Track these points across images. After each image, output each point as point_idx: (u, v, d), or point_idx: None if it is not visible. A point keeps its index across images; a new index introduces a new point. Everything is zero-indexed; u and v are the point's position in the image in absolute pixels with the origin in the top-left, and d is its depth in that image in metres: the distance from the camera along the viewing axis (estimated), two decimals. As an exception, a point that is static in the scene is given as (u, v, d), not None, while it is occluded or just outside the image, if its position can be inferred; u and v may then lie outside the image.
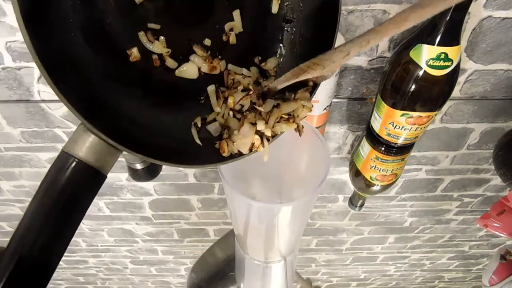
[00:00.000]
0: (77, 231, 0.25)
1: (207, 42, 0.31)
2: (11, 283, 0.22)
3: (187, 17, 0.30)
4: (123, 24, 0.28)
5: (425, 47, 0.34)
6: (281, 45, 0.33)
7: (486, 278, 0.70)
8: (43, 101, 0.49)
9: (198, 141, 0.31)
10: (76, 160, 0.23)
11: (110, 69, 0.28)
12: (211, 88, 0.33)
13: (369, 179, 0.50)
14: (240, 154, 0.31)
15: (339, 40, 0.39)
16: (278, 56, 0.34)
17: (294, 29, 0.32)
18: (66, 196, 0.24)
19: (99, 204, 0.74)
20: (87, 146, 0.24)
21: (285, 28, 0.32)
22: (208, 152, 0.31)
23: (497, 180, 0.68)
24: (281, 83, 0.30)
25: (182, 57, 0.31)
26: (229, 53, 0.32)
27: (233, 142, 0.30)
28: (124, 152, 0.26)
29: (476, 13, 0.40)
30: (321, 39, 0.30)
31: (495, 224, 0.61)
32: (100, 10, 0.26)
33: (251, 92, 0.31)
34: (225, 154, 0.30)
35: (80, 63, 0.26)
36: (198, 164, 0.30)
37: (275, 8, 0.31)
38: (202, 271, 0.59)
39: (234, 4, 0.30)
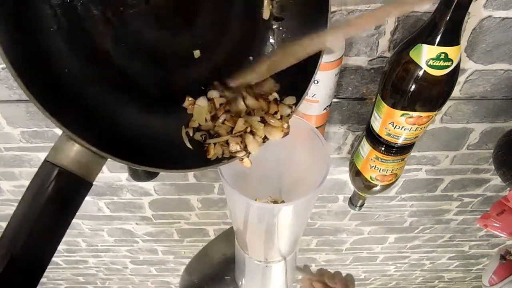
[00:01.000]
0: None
1: (196, 54, 0.31)
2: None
3: (172, 18, 0.29)
4: (106, 28, 0.27)
5: (425, 47, 0.34)
6: (272, 41, 0.33)
7: (486, 278, 0.70)
8: (43, 101, 0.49)
9: (189, 145, 0.31)
10: (60, 169, 0.23)
11: (94, 75, 0.27)
12: (202, 103, 0.32)
13: (369, 179, 0.50)
14: (229, 157, 0.30)
15: (339, 40, 0.39)
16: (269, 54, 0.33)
17: (284, 27, 0.32)
18: (52, 206, 0.23)
19: (99, 204, 0.74)
20: (71, 155, 0.23)
21: (275, 27, 0.32)
22: (197, 156, 0.30)
23: (497, 180, 0.68)
24: (253, 77, 0.30)
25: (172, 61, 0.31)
26: (220, 54, 0.32)
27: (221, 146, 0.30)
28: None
29: (476, 13, 0.40)
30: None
31: (495, 224, 0.61)
32: (81, 16, 0.26)
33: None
34: (210, 157, 0.30)
35: (62, 71, 0.25)
36: (187, 168, 0.29)
37: (266, 14, 0.31)
38: (196, 272, 0.59)
39: (222, 5, 0.30)
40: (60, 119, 0.22)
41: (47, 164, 0.23)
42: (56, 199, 0.23)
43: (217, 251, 0.59)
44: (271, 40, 0.33)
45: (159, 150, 0.30)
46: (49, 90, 0.23)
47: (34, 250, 0.23)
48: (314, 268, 1.10)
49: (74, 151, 0.23)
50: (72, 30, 0.25)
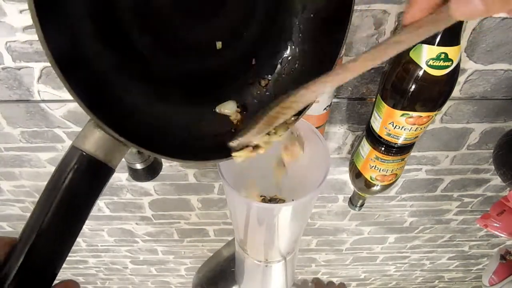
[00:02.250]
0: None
1: (219, 45, 0.31)
2: (22, 274, 0.22)
3: (199, 9, 0.30)
4: (137, 17, 0.28)
5: (425, 47, 0.34)
6: (290, 43, 0.33)
7: (486, 278, 0.70)
8: (43, 101, 0.49)
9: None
10: (85, 154, 0.24)
11: (121, 64, 0.28)
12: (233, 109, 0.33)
13: (369, 179, 0.50)
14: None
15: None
16: (286, 56, 0.34)
17: (303, 27, 0.32)
18: (75, 188, 0.24)
19: (99, 204, 0.74)
20: (96, 141, 0.24)
21: (296, 24, 0.32)
22: (212, 148, 0.31)
23: (497, 180, 0.68)
24: (254, 136, 0.29)
25: (196, 52, 0.31)
26: (241, 48, 0.33)
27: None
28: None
29: (476, 13, 0.40)
30: (331, 39, 0.30)
31: (495, 224, 0.61)
32: (113, 4, 0.26)
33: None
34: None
35: (92, 58, 0.26)
36: (209, 159, 0.30)
37: None
38: (205, 271, 0.60)
39: None
40: (91, 108, 0.22)
41: (73, 149, 0.24)
42: (79, 180, 0.24)
43: (227, 251, 0.59)
44: (290, 41, 0.33)
45: (177, 140, 0.31)
46: (84, 82, 0.24)
47: (55, 239, 0.24)
48: (314, 268, 1.10)
49: (99, 138, 0.24)
50: (99, 16, 0.26)
